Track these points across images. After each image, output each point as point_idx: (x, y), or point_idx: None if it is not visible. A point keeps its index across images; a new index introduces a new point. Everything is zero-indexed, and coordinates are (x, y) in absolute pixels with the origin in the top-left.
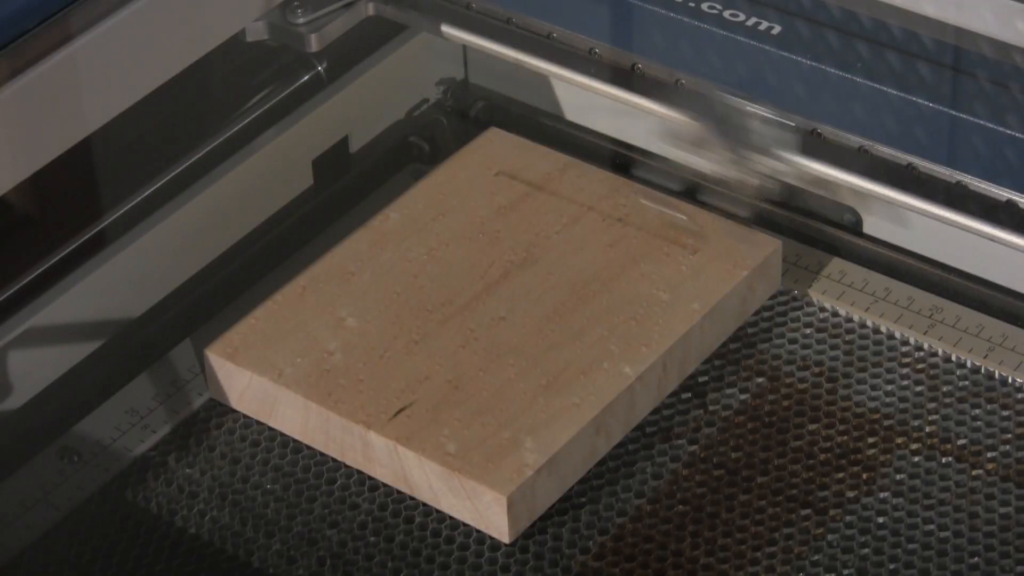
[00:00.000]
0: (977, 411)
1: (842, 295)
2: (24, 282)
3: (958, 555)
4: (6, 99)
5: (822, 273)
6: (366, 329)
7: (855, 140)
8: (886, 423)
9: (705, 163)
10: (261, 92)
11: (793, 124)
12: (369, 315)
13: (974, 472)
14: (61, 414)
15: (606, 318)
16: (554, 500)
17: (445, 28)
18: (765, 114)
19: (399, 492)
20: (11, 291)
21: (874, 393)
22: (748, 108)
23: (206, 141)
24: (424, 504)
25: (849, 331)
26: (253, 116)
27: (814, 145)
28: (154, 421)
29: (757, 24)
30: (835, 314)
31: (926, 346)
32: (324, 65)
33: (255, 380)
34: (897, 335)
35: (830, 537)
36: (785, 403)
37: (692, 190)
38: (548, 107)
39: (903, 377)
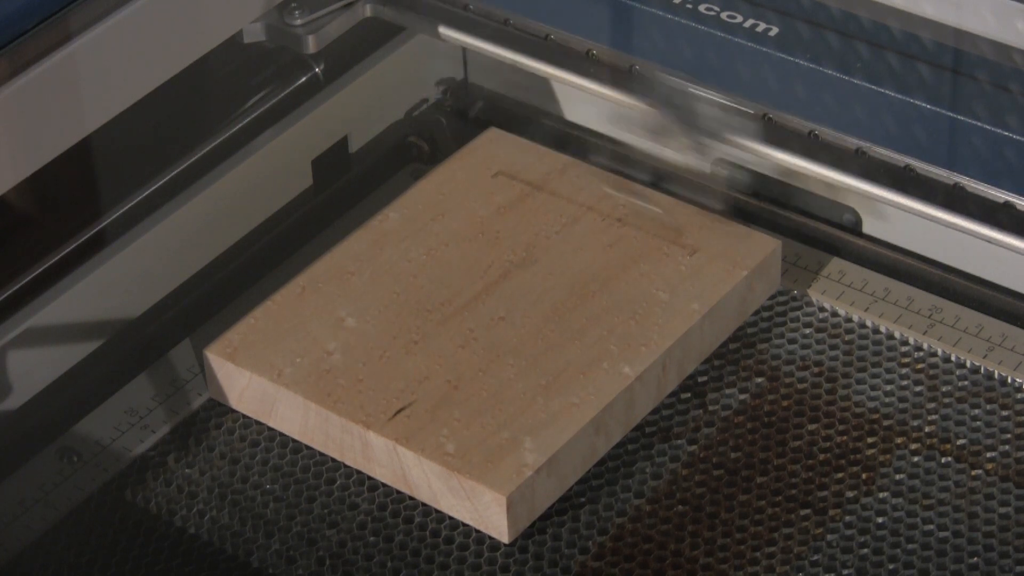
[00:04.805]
0: (977, 411)
1: (842, 295)
2: (24, 282)
3: (958, 555)
4: (6, 99)
5: (822, 273)
6: (365, 329)
7: (853, 142)
8: (886, 423)
9: (665, 151)
10: (259, 93)
11: (750, 112)
12: (368, 315)
13: (974, 472)
14: (61, 414)
15: (606, 318)
16: (553, 500)
17: (442, 29)
18: (718, 100)
19: (398, 492)
20: (11, 291)
21: (874, 393)
22: (701, 94)
23: (205, 141)
24: (424, 504)
25: (849, 331)
26: (252, 116)
27: (812, 146)
28: (153, 421)
29: (755, 25)
30: (835, 314)
31: (926, 346)
32: (322, 66)
33: (254, 380)
34: (897, 335)
35: (830, 537)
36: (785, 403)
37: (692, 189)
38: (548, 107)
39: (903, 377)
